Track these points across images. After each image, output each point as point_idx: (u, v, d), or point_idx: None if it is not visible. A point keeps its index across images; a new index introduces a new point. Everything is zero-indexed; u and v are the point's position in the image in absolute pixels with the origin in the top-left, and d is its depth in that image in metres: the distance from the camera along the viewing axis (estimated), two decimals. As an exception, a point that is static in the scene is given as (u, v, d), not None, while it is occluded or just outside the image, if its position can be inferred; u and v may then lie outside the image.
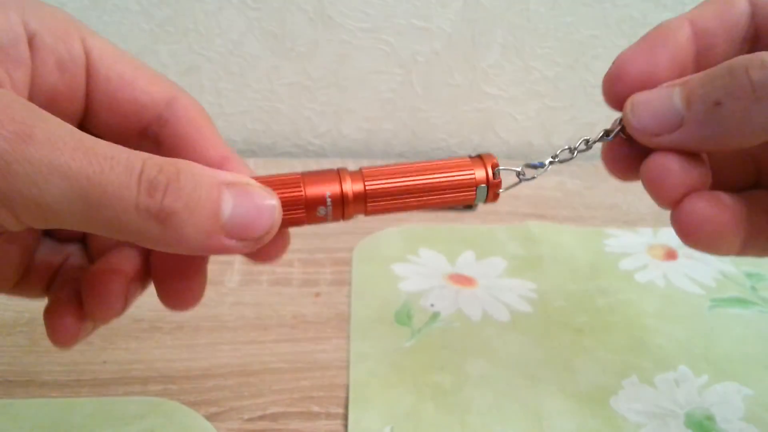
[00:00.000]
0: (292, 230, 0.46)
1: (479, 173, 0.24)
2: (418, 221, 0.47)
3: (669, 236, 0.46)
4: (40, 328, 0.36)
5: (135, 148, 0.19)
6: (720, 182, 0.24)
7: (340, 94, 0.57)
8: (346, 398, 0.33)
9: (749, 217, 0.23)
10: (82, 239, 0.26)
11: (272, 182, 0.22)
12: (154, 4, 0.52)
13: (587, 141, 0.26)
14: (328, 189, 0.22)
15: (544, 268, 0.43)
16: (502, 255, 0.44)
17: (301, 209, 0.22)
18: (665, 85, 0.22)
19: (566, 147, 0.26)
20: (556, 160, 0.26)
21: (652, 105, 0.22)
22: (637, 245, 0.46)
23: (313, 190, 0.22)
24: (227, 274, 0.41)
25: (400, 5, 0.54)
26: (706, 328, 0.38)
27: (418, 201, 0.24)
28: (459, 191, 0.24)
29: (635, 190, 0.53)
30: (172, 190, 0.19)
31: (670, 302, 0.40)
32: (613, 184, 0.55)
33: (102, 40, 0.23)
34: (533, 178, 0.25)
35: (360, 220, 0.47)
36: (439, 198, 0.24)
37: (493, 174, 0.24)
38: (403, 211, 0.24)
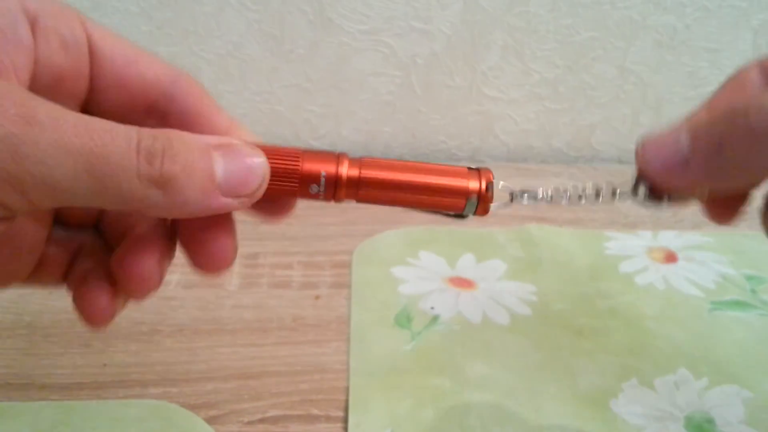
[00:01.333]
0: (292, 234, 0.46)
1: (473, 184, 0.24)
2: (417, 224, 0.47)
3: (669, 239, 0.46)
4: (40, 331, 0.36)
5: (141, 125, 0.20)
6: None
7: (340, 96, 0.57)
8: (346, 401, 0.33)
9: None
10: (95, 225, 0.27)
11: (273, 151, 0.23)
12: (154, 6, 0.52)
13: (598, 193, 0.25)
14: (324, 168, 0.23)
15: (544, 270, 0.43)
16: (502, 258, 0.44)
17: (296, 182, 0.23)
18: (676, 125, 0.23)
19: (568, 188, 0.25)
20: (548, 197, 0.26)
21: (661, 150, 0.22)
22: (637, 248, 0.46)
23: (309, 166, 0.23)
24: (227, 277, 0.41)
25: (400, 7, 0.54)
26: (706, 331, 0.38)
27: (410, 198, 0.24)
28: (450, 197, 0.24)
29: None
30: (169, 156, 0.20)
31: (670, 305, 0.40)
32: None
33: (100, 25, 0.24)
34: (524, 200, 0.25)
35: (359, 222, 0.47)
36: (430, 199, 0.24)
37: (486, 188, 0.24)
38: (394, 205, 0.25)
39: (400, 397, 0.33)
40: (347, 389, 0.34)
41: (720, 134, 0.20)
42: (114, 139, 0.19)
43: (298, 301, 0.40)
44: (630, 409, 0.33)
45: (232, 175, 0.21)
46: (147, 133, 0.20)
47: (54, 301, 0.38)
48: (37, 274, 0.25)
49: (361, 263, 0.43)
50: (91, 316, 0.24)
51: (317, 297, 0.40)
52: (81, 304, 0.24)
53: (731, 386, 0.34)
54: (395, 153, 0.61)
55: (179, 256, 0.40)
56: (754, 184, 0.22)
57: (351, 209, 0.49)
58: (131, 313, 0.38)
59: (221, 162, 0.21)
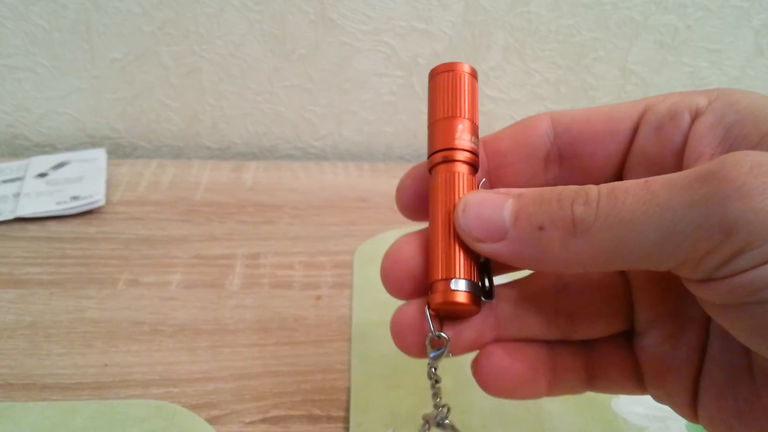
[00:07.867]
0: (294, 234, 0.45)
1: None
2: (418, 224, 0.47)
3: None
4: (42, 331, 0.37)
5: None
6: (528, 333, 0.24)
7: (341, 96, 0.57)
8: (347, 401, 0.33)
9: (552, 361, 0.24)
10: None
11: None
12: (155, 6, 0.52)
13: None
14: None
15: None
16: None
17: None
18: (503, 190, 0.22)
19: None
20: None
21: (483, 211, 0.21)
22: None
23: None
24: (228, 278, 0.41)
25: (401, 7, 0.54)
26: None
27: None
28: None
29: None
30: None
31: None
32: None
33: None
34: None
35: (361, 222, 0.47)
36: None
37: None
38: None
39: (402, 397, 0.33)
40: (348, 389, 0.34)
41: (544, 215, 0.20)
42: None
43: (300, 301, 0.40)
44: (631, 409, 0.33)
45: None
46: None
47: (55, 302, 0.39)
48: None
49: (362, 263, 0.43)
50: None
51: (318, 297, 0.40)
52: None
53: (733, 386, 0.34)
54: (396, 154, 0.61)
55: (179, 255, 0.40)
56: (559, 271, 0.21)
57: (352, 209, 0.49)
58: (132, 314, 0.38)
59: None
